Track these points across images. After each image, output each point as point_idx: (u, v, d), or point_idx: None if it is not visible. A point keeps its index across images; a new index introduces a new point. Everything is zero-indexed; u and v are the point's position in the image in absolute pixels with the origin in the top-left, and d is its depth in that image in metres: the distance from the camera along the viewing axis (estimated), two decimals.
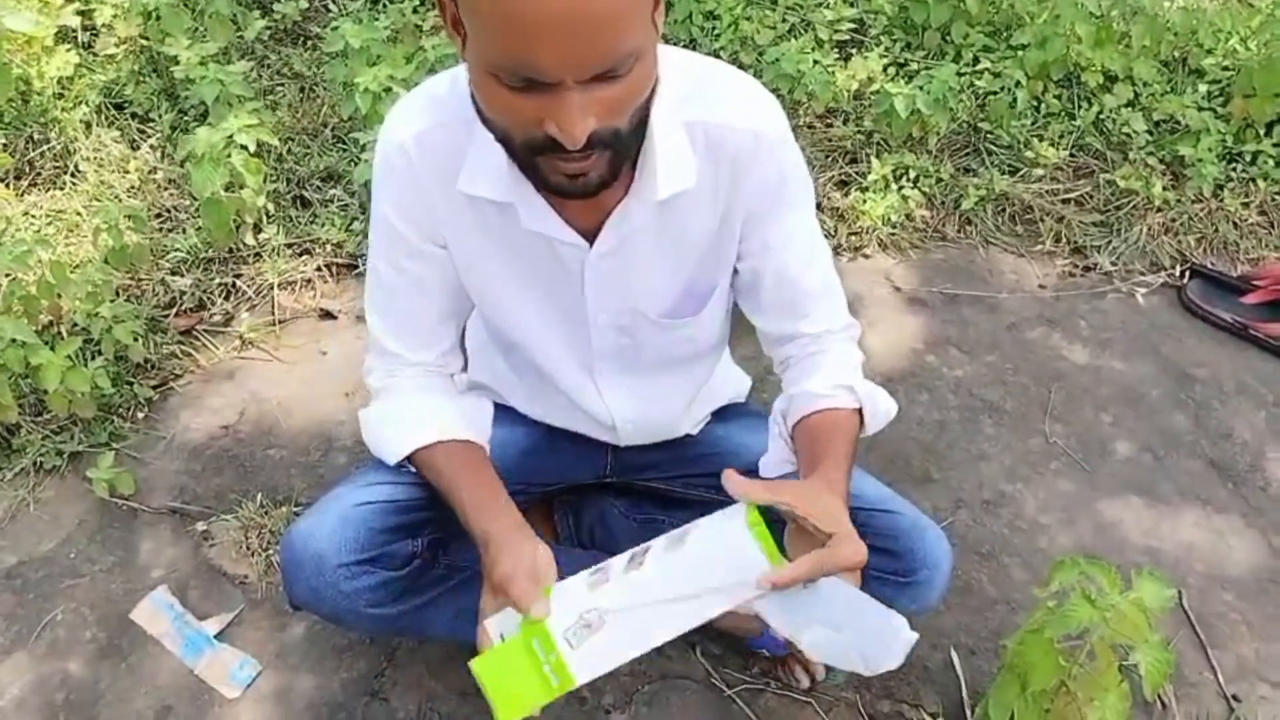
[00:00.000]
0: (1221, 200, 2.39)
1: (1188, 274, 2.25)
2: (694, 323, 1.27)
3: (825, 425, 1.21)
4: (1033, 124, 2.54)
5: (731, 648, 1.55)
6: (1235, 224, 2.37)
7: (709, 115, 1.10)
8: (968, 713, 1.48)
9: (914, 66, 2.59)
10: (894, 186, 2.34)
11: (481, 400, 1.42)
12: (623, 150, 0.98)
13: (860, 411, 1.23)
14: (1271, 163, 2.43)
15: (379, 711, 1.47)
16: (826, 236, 1.58)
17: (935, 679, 1.53)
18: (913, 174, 2.38)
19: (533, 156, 0.97)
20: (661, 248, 1.18)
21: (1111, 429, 1.95)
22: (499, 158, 1.05)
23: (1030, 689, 1.26)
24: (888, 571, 1.31)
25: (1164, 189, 2.37)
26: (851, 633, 1.00)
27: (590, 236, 1.14)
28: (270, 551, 1.64)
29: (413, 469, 1.26)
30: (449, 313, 1.27)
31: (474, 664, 1.02)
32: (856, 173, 2.41)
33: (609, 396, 1.35)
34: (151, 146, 2.42)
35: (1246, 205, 2.39)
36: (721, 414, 1.52)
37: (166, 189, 2.33)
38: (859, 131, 2.50)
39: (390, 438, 1.25)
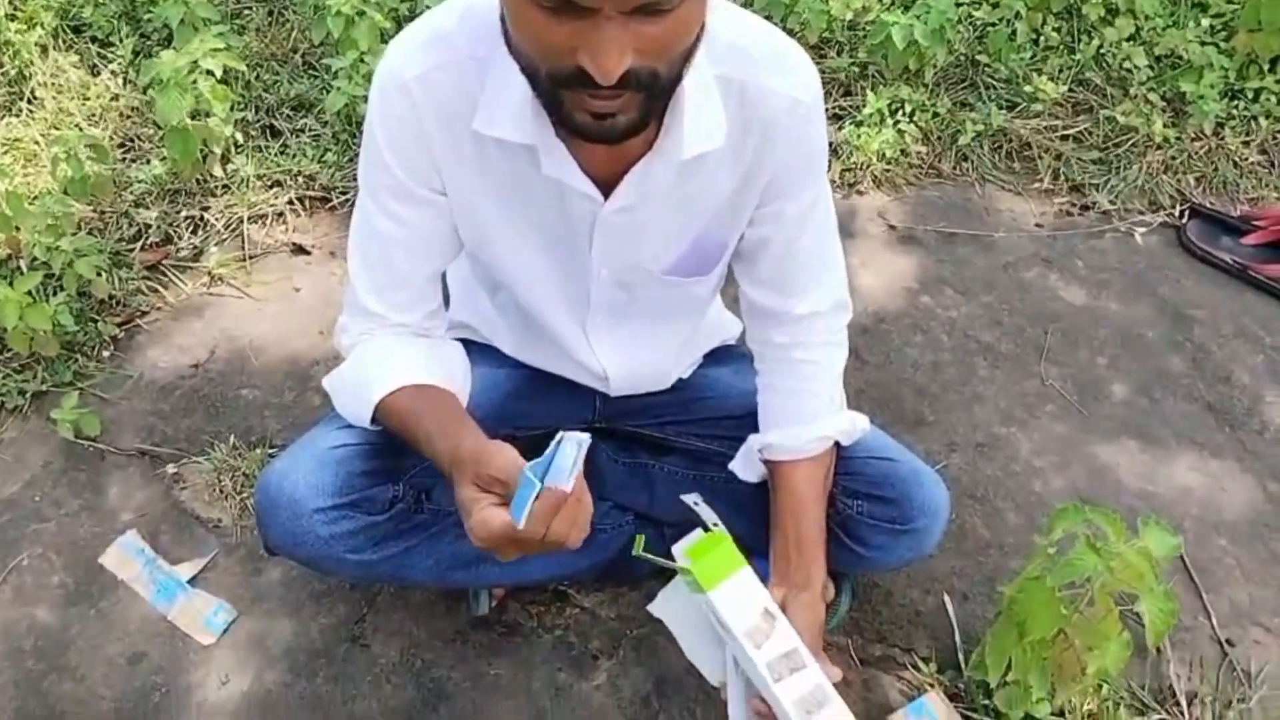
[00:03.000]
0: (1223, 138, 2.34)
1: (1187, 214, 2.20)
2: (700, 283, 1.23)
3: (799, 491, 1.26)
4: (1032, 58, 2.47)
5: None
6: (1236, 163, 2.31)
7: (746, 73, 1.03)
8: (960, 657, 1.46)
9: None
10: (889, 121, 2.27)
11: (454, 345, 1.27)
12: (657, 96, 0.91)
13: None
14: (1274, 100, 2.37)
15: (359, 657, 1.43)
16: None
17: (927, 623, 1.51)
18: (908, 108, 2.30)
19: (558, 89, 0.89)
20: (677, 206, 1.12)
21: (1108, 371, 1.91)
22: (518, 97, 0.97)
23: (1029, 637, 1.23)
24: (883, 519, 1.29)
25: (1164, 126, 2.31)
26: None
27: (605, 189, 1.07)
28: (244, 495, 1.58)
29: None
30: (438, 270, 1.19)
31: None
32: (851, 106, 2.33)
33: (599, 348, 1.30)
34: (113, 72, 2.31)
35: (1248, 144, 2.34)
36: (711, 356, 1.47)
37: (129, 117, 2.23)
38: (854, 63, 2.41)
39: (354, 398, 1.17)
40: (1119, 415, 1.84)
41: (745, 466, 1.34)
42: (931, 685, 1.42)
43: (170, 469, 1.63)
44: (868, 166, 2.23)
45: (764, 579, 1.48)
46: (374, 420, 1.16)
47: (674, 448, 1.46)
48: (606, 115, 0.89)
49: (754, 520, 1.40)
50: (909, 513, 1.27)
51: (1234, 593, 1.60)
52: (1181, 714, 1.43)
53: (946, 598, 1.53)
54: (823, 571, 1.26)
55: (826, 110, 2.30)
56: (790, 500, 1.27)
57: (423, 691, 1.40)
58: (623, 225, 1.11)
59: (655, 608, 1.28)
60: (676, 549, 1.18)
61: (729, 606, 1.14)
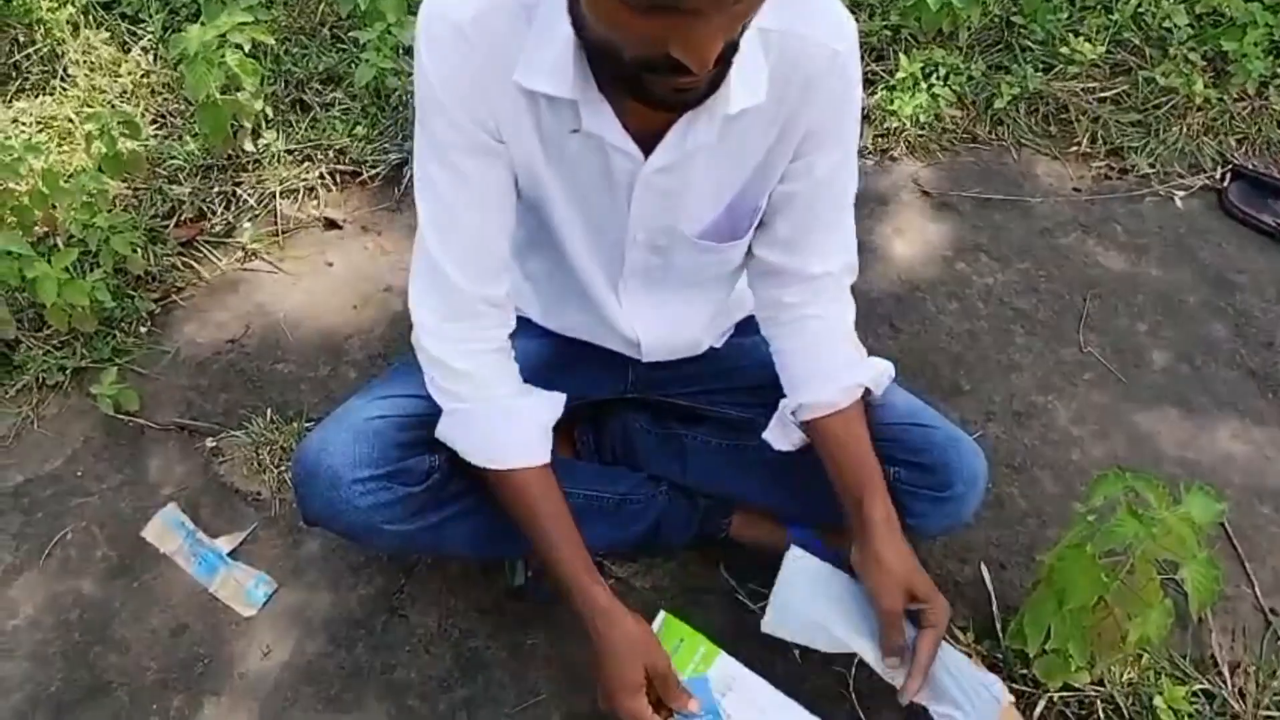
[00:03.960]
0: (1266, 98, 2.28)
1: (1229, 176, 2.15)
2: (734, 247, 1.22)
3: (845, 439, 1.23)
4: (1068, 18, 2.41)
5: (755, 562, 1.51)
6: (1279, 123, 2.25)
7: (784, 24, 1.01)
8: (998, 626, 1.45)
9: None
10: (923, 85, 2.23)
11: (553, 396, 1.25)
12: (729, 62, 0.90)
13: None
14: None
15: (398, 627, 1.44)
16: None
17: (965, 593, 1.50)
18: (942, 71, 2.26)
19: (641, 73, 0.88)
20: (717, 165, 1.10)
21: (1147, 338, 1.88)
22: (560, 50, 0.96)
23: (1068, 605, 1.22)
24: (921, 486, 1.28)
25: (1205, 86, 2.25)
26: (972, 710, 1.20)
27: (645, 149, 1.05)
28: (282, 468, 1.59)
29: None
30: (507, 229, 1.15)
31: None
32: (884, 70, 2.29)
33: (632, 314, 1.29)
34: (144, 49, 2.31)
35: None
36: (744, 326, 1.46)
37: (161, 93, 2.24)
38: (886, 26, 2.37)
39: (474, 447, 1.18)
40: (1159, 383, 1.81)
41: (779, 435, 1.32)
42: (969, 654, 1.41)
43: (209, 443, 1.65)
44: (901, 132, 2.19)
45: (802, 544, 1.48)
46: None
47: (706, 417, 1.46)
48: (689, 88, 0.90)
49: (789, 490, 1.39)
50: (947, 479, 1.26)
51: (1277, 561, 1.58)
52: (1224, 683, 1.42)
53: (984, 567, 1.52)
54: (894, 513, 1.23)
55: None
56: (841, 453, 1.23)
57: (460, 661, 1.41)
58: (662, 185, 1.09)
59: (769, 626, 1.27)
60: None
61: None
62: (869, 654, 1.23)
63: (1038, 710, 1.34)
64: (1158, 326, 1.89)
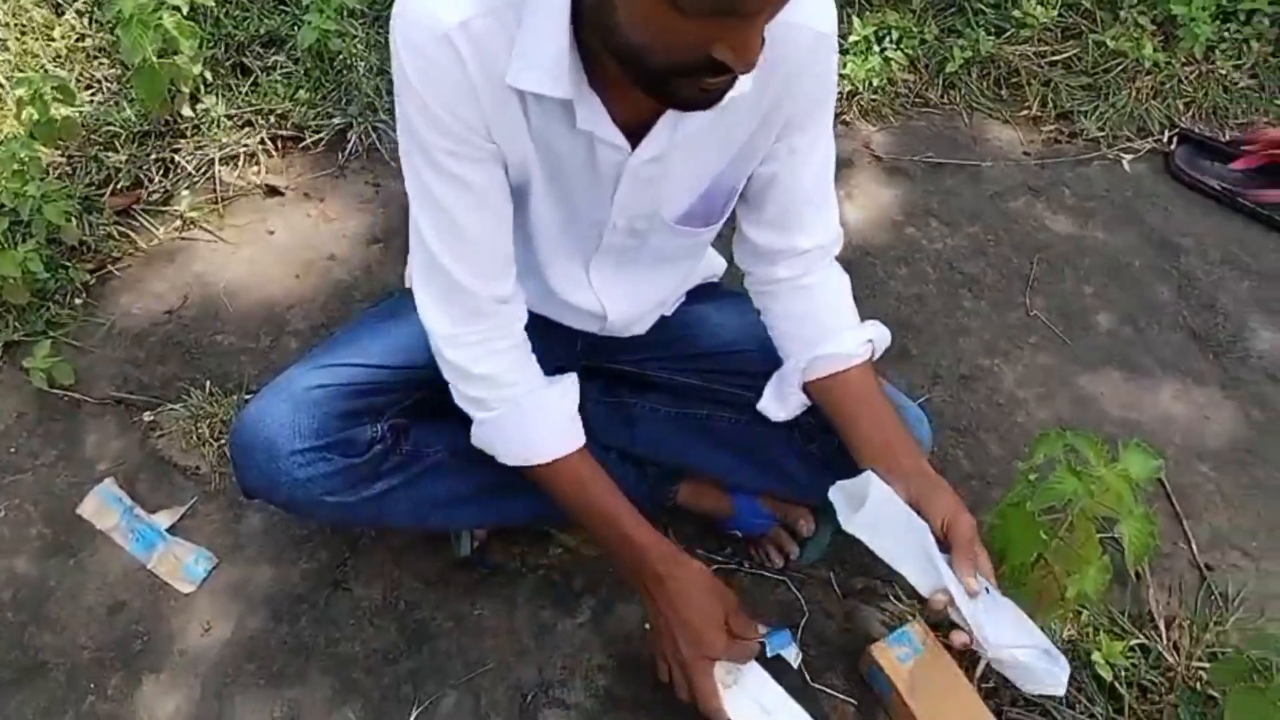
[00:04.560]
0: (1213, 62, 2.29)
1: (1176, 139, 2.17)
2: (710, 230, 1.22)
3: (866, 390, 1.22)
4: None
5: (705, 530, 1.51)
6: (1226, 87, 2.27)
7: None
8: None
9: None
10: (876, 49, 2.22)
11: (569, 380, 1.24)
12: None
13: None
14: (1267, 22, 2.32)
15: (342, 601, 1.43)
16: None
17: None
18: (895, 35, 2.25)
19: (675, 77, 0.86)
20: (702, 152, 1.09)
21: (1093, 300, 1.89)
22: (556, 50, 0.93)
23: (1009, 562, 1.23)
24: None
25: (1154, 50, 2.26)
26: (1028, 656, 1.11)
27: (633, 138, 1.04)
28: (222, 441, 1.56)
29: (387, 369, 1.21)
30: (510, 222, 1.13)
31: None
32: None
33: (602, 290, 1.28)
34: (77, 11, 2.24)
35: (1238, 68, 2.29)
36: (694, 294, 1.45)
37: (96, 57, 2.17)
38: None
39: (513, 449, 1.19)
40: (1104, 345, 1.82)
41: (776, 404, 1.30)
42: (912, 615, 1.42)
43: (146, 417, 1.61)
44: (854, 96, 2.18)
45: (746, 511, 1.48)
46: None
47: (655, 384, 1.45)
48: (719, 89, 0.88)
49: (737, 457, 1.39)
50: None
51: (1214, 519, 1.61)
52: (1160, 638, 1.44)
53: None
54: (927, 463, 1.21)
55: None
56: (861, 404, 1.22)
57: (405, 633, 1.40)
58: (648, 175, 1.08)
59: (852, 526, 1.17)
60: None
61: None
62: (944, 574, 1.12)
63: (980, 667, 1.36)
64: (1103, 289, 1.91)
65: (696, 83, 0.88)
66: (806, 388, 1.26)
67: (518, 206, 1.14)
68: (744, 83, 0.98)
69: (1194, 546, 1.57)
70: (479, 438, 1.20)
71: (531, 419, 1.17)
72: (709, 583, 1.22)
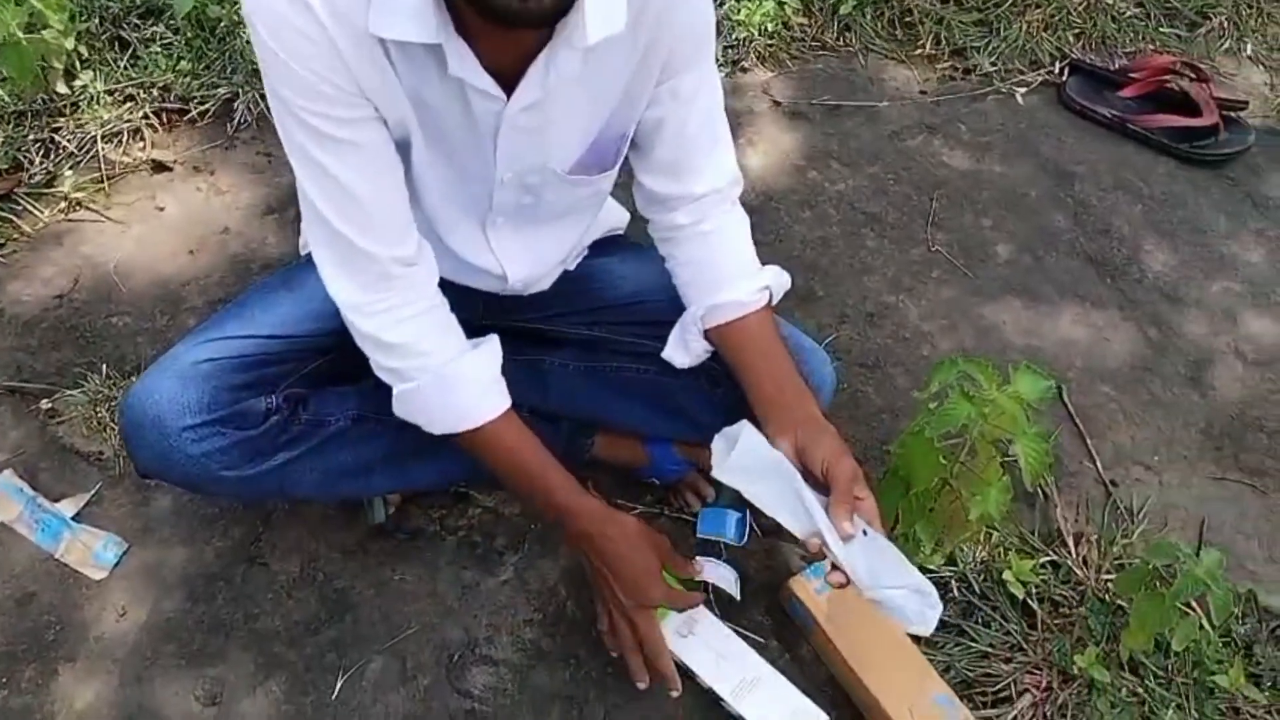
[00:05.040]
0: None
1: (1067, 70, 2.21)
2: (606, 178, 1.20)
3: (761, 337, 1.23)
4: None
5: (622, 480, 1.52)
6: (1114, 17, 2.33)
7: None
8: None
9: None
10: None
11: (490, 354, 1.21)
12: None
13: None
14: None
15: (258, 576, 1.41)
16: None
17: None
18: None
19: None
20: (581, 99, 1.07)
21: (992, 232, 1.93)
22: None
23: (914, 490, 1.26)
24: None
25: None
26: (901, 596, 1.11)
27: (507, 89, 1.01)
28: None
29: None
30: (402, 188, 1.10)
31: None
32: None
33: (500, 250, 1.26)
34: None
35: None
36: (596, 246, 1.44)
37: None
38: None
39: (438, 419, 1.17)
40: (1004, 275, 1.87)
41: (680, 350, 1.30)
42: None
43: (44, 404, 1.56)
44: (750, 42, 2.18)
45: (660, 459, 1.49)
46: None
47: (564, 340, 1.44)
48: None
49: (649, 407, 1.40)
50: None
51: (1116, 436, 1.67)
52: (1069, 554, 1.50)
53: None
54: (818, 409, 1.20)
55: None
56: (755, 352, 1.23)
57: (326, 603, 1.39)
58: (527, 124, 1.06)
59: (722, 472, 1.17)
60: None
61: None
62: (816, 517, 1.11)
63: None
64: (1001, 221, 1.95)
65: None
66: (707, 334, 1.26)
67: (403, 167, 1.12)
68: (612, 24, 0.97)
69: (1099, 464, 1.63)
70: (401, 408, 1.18)
71: (453, 387, 1.15)
72: (641, 536, 1.23)
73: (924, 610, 1.09)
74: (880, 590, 1.09)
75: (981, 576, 1.46)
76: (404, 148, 1.09)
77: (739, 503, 1.44)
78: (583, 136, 1.13)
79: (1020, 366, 1.22)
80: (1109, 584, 1.47)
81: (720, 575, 1.31)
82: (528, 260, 1.29)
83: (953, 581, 1.44)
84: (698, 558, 1.30)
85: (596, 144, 1.15)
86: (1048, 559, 1.49)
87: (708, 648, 1.30)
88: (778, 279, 1.27)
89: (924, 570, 1.39)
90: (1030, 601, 1.43)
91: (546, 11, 0.88)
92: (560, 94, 1.04)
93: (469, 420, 1.17)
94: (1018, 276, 1.87)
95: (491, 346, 1.20)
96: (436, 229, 1.22)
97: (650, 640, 1.24)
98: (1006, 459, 1.26)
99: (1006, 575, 1.44)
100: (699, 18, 1.10)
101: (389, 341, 1.12)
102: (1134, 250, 1.93)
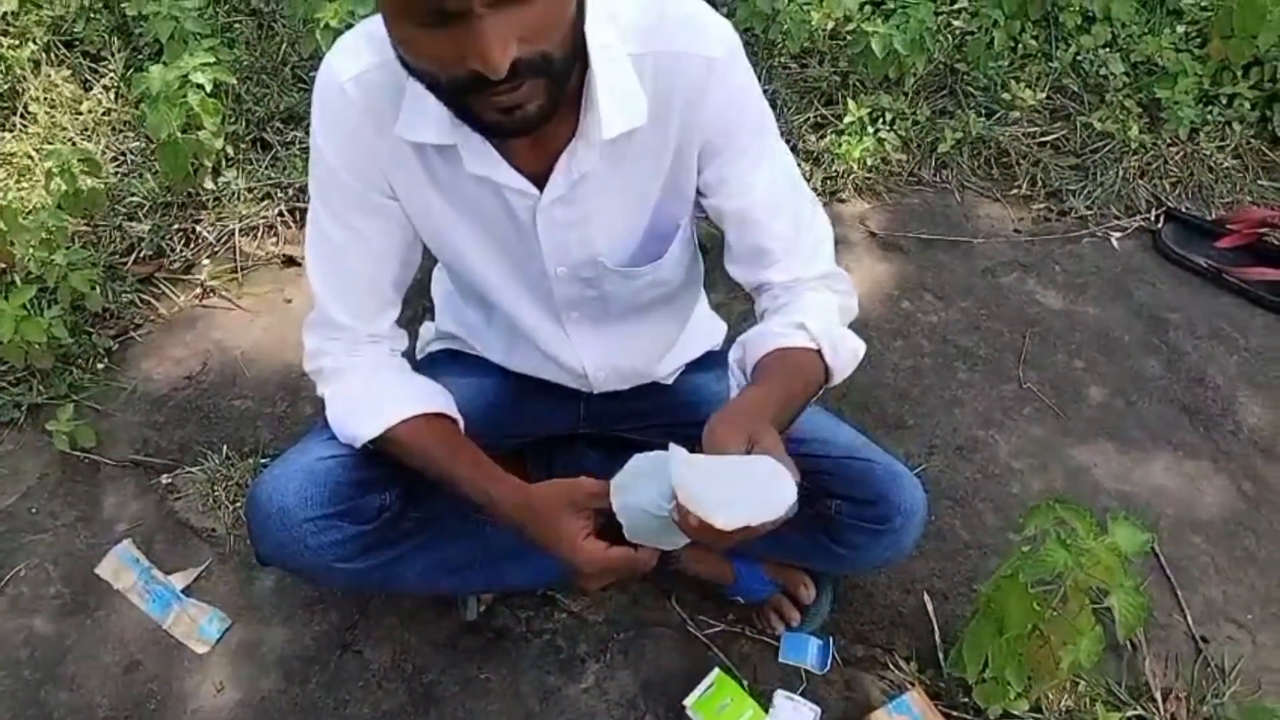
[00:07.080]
0: (1197, 143, 2.38)
1: (1163, 218, 2.24)
2: (658, 268, 1.22)
3: (779, 363, 1.12)
4: (1010, 65, 2.50)
5: (708, 596, 1.54)
6: (1210, 168, 2.35)
7: (656, 45, 1.04)
8: (940, 657, 1.49)
9: (891, 5, 2.54)
10: (870, 129, 2.31)
11: (436, 383, 1.27)
12: (558, 77, 0.92)
13: (821, 353, 1.13)
14: (1248, 105, 2.41)
15: (352, 664, 1.46)
16: None
17: (908, 623, 1.54)
18: (889, 116, 2.34)
19: (463, 97, 0.91)
20: (616, 191, 1.12)
21: (1084, 374, 1.94)
22: (432, 97, 0.98)
23: (1005, 633, 1.26)
24: (862, 519, 1.31)
25: (1140, 132, 2.35)
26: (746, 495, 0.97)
27: (541, 184, 1.09)
28: (237, 504, 1.61)
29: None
30: (400, 277, 1.21)
31: None
32: (832, 115, 2.37)
33: (580, 345, 1.31)
34: (105, 87, 2.33)
35: (1222, 149, 2.38)
36: (696, 363, 1.49)
37: (121, 131, 2.25)
38: (834, 72, 2.45)
39: (358, 420, 1.20)
40: (1095, 417, 1.87)
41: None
42: (912, 684, 1.45)
43: (164, 479, 1.66)
44: (849, 174, 2.26)
45: (748, 577, 1.51)
46: (371, 443, 1.19)
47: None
48: (514, 107, 0.91)
49: None
50: (886, 512, 1.28)
51: (1208, 590, 1.64)
52: (1157, 709, 1.46)
53: (927, 598, 1.56)
54: (770, 429, 1.02)
55: (808, 120, 2.35)
56: (755, 378, 1.12)
57: (414, 696, 1.43)
58: (564, 217, 1.12)
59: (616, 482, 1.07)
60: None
61: None
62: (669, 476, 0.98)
63: None
64: (1094, 363, 1.96)
65: (485, 101, 0.90)
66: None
67: (463, 271, 1.21)
68: (633, 118, 1.03)
69: (1189, 618, 1.60)
70: (331, 418, 1.22)
71: (375, 388, 1.20)
72: (559, 509, 1.11)
73: (781, 492, 0.96)
74: (730, 511, 0.95)
75: None
76: (456, 257, 1.18)
77: (822, 631, 1.46)
78: (628, 229, 1.17)
79: (1117, 516, 1.23)
80: None
81: (801, 716, 1.31)
82: (603, 355, 1.33)
83: None
84: (779, 697, 1.30)
85: (650, 235, 1.18)
86: (1134, 713, 1.46)
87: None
88: (827, 328, 1.14)
89: (1009, 716, 1.39)
90: None
91: (531, 121, 0.92)
92: (591, 187, 1.10)
93: (384, 417, 1.17)
94: (1110, 420, 1.87)
95: (437, 389, 1.24)
96: (516, 321, 1.28)
97: (627, 566, 1.12)
98: (1098, 606, 1.26)
99: None
100: (732, 104, 1.09)
101: (314, 349, 1.22)
102: (1229, 401, 1.92)
